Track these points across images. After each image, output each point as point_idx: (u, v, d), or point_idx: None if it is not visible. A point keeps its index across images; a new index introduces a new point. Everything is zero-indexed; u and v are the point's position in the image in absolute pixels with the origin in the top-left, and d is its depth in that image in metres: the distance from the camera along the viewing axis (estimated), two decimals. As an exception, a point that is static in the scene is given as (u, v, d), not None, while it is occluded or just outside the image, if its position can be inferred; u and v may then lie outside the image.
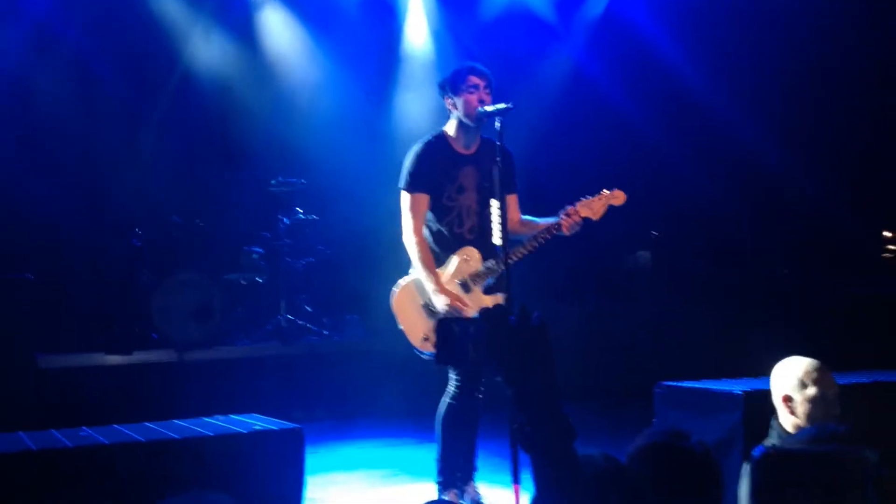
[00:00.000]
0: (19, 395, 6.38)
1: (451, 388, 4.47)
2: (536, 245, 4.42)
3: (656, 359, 7.84)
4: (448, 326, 3.77)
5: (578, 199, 4.48)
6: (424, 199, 4.49)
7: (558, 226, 4.42)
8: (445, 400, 4.49)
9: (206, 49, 8.97)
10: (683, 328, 8.38)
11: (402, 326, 4.48)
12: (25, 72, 8.32)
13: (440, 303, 4.35)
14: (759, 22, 9.26)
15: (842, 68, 9.09)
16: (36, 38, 8.33)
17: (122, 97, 8.69)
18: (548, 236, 4.44)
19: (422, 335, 4.41)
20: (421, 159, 4.50)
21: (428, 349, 4.41)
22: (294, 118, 9.06)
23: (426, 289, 4.42)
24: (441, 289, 4.37)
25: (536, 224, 4.57)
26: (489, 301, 4.41)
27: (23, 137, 8.23)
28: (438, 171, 4.51)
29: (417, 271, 4.46)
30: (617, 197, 4.52)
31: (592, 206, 4.47)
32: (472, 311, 4.30)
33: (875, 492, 1.77)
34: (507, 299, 4.20)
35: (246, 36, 9.18)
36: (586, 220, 4.47)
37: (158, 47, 8.77)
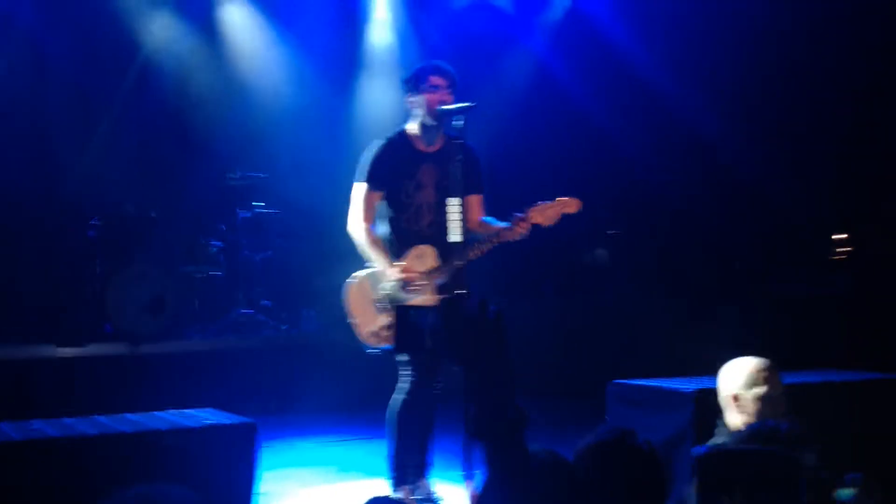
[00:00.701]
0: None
1: (404, 383, 4.48)
2: (485, 250, 4.42)
3: (612, 355, 7.91)
4: (405, 313, 3.79)
5: (533, 204, 4.49)
6: (377, 196, 4.51)
7: (509, 231, 4.42)
8: (397, 396, 4.49)
9: (167, 38, 8.87)
10: (640, 325, 8.47)
11: (351, 320, 4.49)
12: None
13: (392, 274, 4.35)
14: (721, 12, 9.33)
15: (807, 62, 9.18)
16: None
17: (77, 83, 8.56)
18: (497, 241, 4.43)
19: (370, 330, 4.43)
20: (380, 157, 4.51)
21: (374, 344, 4.43)
22: (255, 110, 9.01)
23: (381, 277, 4.42)
24: (392, 264, 4.38)
25: (491, 227, 4.57)
26: (436, 300, 4.41)
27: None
28: (397, 169, 4.51)
29: (367, 254, 4.47)
30: (570, 205, 4.51)
31: (545, 213, 4.46)
32: (422, 296, 4.31)
33: (810, 493, 1.82)
34: (465, 294, 4.21)
35: (207, 26, 9.10)
36: (535, 225, 4.47)
37: (117, 33, 8.65)
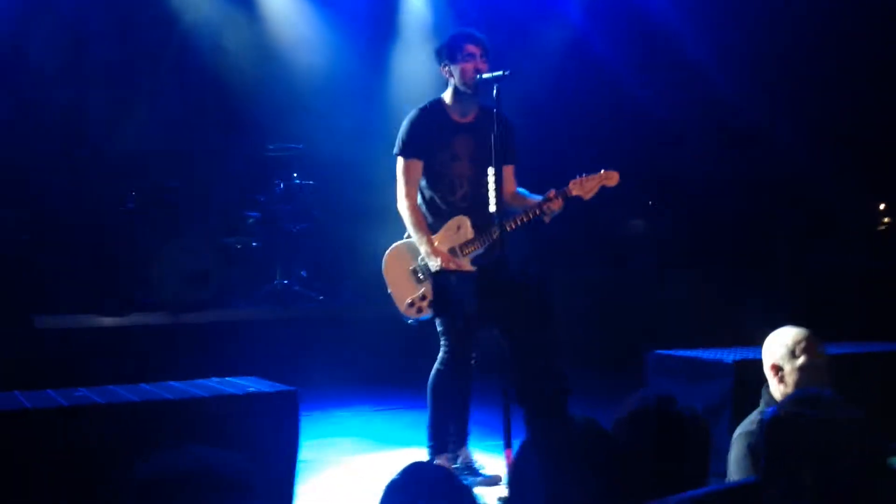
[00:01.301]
0: (16, 355, 6.40)
1: (442, 353, 4.51)
2: (524, 220, 4.41)
3: (649, 326, 7.88)
4: (445, 277, 3.79)
5: (573, 177, 4.48)
6: (418, 165, 4.50)
7: (548, 205, 4.41)
8: (436, 366, 4.52)
9: (204, 12, 8.89)
10: (676, 295, 8.42)
11: (390, 290, 4.51)
12: (17, 32, 8.24)
13: (434, 264, 4.37)
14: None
15: (849, 43, 8.99)
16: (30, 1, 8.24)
17: (116, 60, 8.61)
18: (534, 216, 4.43)
19: (407, 300, 4.44)
20: (415, 126, 4.51)
21: (412, 314, 4.44)
22: (292, 82, 9.01)
23: (420, 251, 4.44)
24: (434, 250, 4.39)
25: (526, 199, 4.56)
26: (477, 268, 4.42)
27: (16, 100, 8.17)
28: (432, 138, 4.51)
29: (412, 235, 4.49)
30: (610, 178, 4.51)
31: (585, 186, 4.47)
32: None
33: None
34: (505, 260, 4.20)
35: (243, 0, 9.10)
36: (576, 199, 4.47)
37: (154, 9, 8.69)
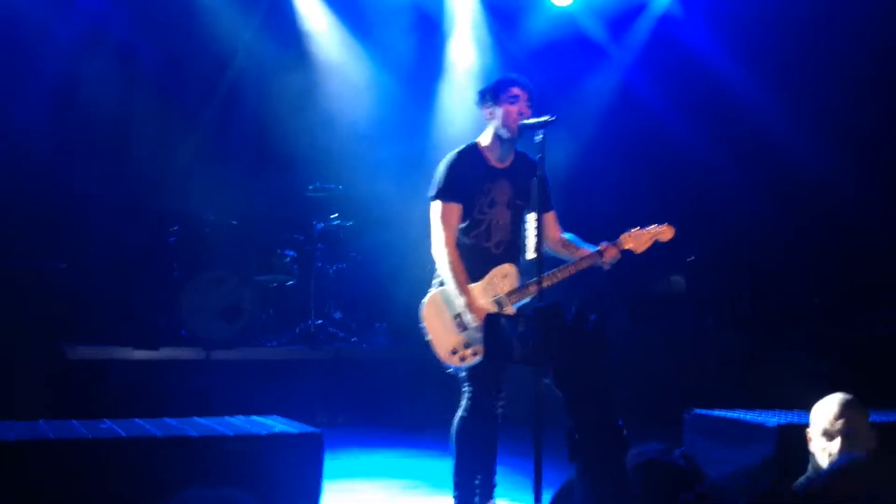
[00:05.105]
0: (45, 384, 6.40)
1: (465, 400, 4.38)
2: (574, 270, 4.32)
3: (687, 384, 7.71)
4: (496, 320, 3.64)
5: (625, 231, 4.38)
6: (456, 208, 4.40)
7: (599, 256, 4.32)
8: (459, 413, 4.39)
9: (253, 53, 9.01)
10: (715, 354, 8.24)
11: (429, 338, 4.39)
12: (73, 65, 8.40)
13: (471, 321, 4.26)
14: (816, 30, 9.00)
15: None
16: (86, 33, 8.41)
17: (166, 95, 8.75)
18: (588, 264, 4.33)
19: (450, 348, 4.31)
20: (453, 169, 4.42)
21: (455, 363, 4.31)
22: (336, 123, 9.06)
23: (457, 304, 4.34)
24: (473, 306, 4.27)
25: (577, 247, 4.46)
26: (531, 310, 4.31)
27: (66, 129, 8.30)
28: (470, 182, 4.42)
29: (448, 285, 4.36)
30: (665, 233, 4.41)
31: (638, 239, 4.38)
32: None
33: None
34: (558, 302, 4.08)
35: (291, 42, 9.20)
36: (627, 251, 4.37)
37: (206, 48, 8.83)
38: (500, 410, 4.41)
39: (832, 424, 3.20)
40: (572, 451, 1.65)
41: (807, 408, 3.39)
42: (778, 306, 9.22)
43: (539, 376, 4.20)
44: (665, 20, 9.60)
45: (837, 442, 3.18)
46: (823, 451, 3.21)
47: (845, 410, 3.22)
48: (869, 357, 7.97)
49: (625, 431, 1.67)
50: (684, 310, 9.43)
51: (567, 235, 4.55)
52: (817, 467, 3.20)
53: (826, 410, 3.26)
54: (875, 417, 3.44)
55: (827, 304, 9.17)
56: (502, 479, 4.55)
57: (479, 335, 4.23)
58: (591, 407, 1.65)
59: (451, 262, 4.32)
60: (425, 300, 4.42)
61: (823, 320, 8.93)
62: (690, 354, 8.40)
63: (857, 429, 3.20)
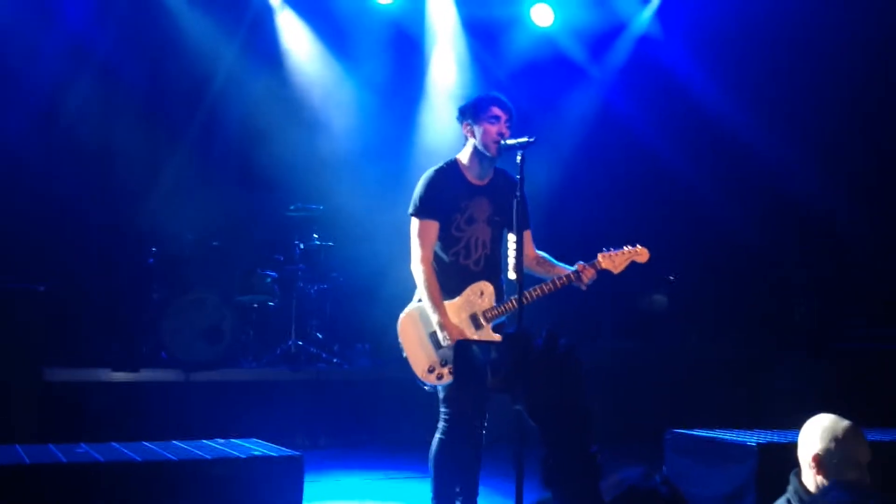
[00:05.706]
0: (23, 406, 6.33)
1: (442, 422, 4.35)
2: (551, 289, 4.34)
3: (668, 403, 7.71)
4: (467, 347, 3.59)
5: (601, 251, 4.41)
6: (434, 226, 4.41)
7: (577, 276, 4.35)
8: (437, 435, 4.36)
9: (234, 73, 9.00)
10: (697, 373, 8.25)
11: (406, 355, 4.37)
12: (56, 82, 8.37)
13: (445, 339, 4.25)
14: (793, 50, 9.10)
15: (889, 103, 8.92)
16: (70, 53, 8.37)
17: (148, 114, 8.71)
18: (564, 283, 4.36)
19: (426, 366, 4.29)
20: (431, 186, 4.43)
21: (431, 381, 4.29)
22: (316, 144, 9.06)
23: (432, 321, 4.33)
24: (446, 322, 4.27)
25: (552, 265, 4.48)
26: (499, 339, 4.30)
27: (48, 150, 8.25)
28: (448, 200, 4.43)
29: (424, 302, 4.36)
30: (640, 254, 4.45)
31: (615, 260, 4.40)
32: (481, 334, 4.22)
33: None
34: (528, 329, 4.09)
35: (272, 62, 9.20)
36: (604, 272, 4.39)
37: (188, 69, 8.82)
38: (483, 431, 4.39)
39: (826, 449, 3.06)
40: (547, 477, 1.64)
41: (789, 427, 3.29)
42: (761, 324, 9.26)
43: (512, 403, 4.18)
44: (644, 41, 9.69)
45: (833, 467, 3.03)
46: (818, 475, 3.07)
47: (842, 434, 3.08)
48: (855, 374, 8.00)
49: (598, 458, 1.66)
50: (666, 328, 9.46)
51: (541, 253, 4.57)
52: (799, 490, 3.11)
53: (819, 434, 3.11)
54: (869, 436, 3.35)
55: (812, 321, 9.21)
56: (484, 500, 4.52)
57: (452, 353, 4.23)
58: (565, 433, 1.64)
59: (427, 280, 4.33)
60: (402, 315, 4.41)
61: (808, 338, 8.97)
62: (672, 372, 8.40)
63: (851, 457, 3.05)
